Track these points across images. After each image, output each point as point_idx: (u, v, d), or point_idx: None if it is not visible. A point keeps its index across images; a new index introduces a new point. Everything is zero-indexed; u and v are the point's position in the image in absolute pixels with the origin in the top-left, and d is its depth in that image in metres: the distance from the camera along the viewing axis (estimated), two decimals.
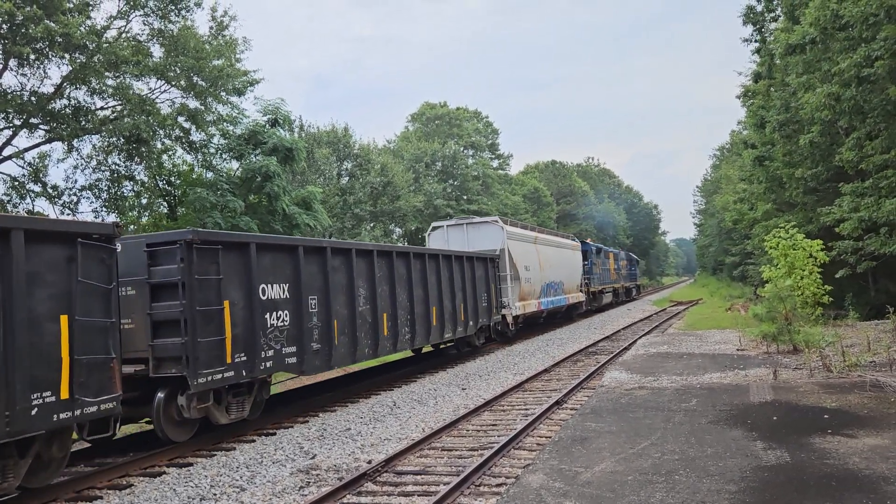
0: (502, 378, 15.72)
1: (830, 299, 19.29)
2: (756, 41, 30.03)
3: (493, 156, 60.81)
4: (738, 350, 16.45)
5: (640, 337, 22.64)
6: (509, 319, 22.86)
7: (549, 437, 9.34)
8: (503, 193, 52.95)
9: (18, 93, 19.76)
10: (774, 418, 9.03)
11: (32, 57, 18.85)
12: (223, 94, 23.31)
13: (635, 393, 11.45)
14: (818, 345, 14.39)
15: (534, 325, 29.29)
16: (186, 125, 23.34)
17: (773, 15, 29.31)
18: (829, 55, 19.38)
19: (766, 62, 27.20)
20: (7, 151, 20.49)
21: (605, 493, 6.29)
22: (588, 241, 40.55)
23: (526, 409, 11.73)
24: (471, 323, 19.36)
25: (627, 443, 8.11)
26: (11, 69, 19.46)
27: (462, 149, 53.27)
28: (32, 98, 19.85)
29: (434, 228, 24.70)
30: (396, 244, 30.40)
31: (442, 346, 20.95)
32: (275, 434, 10.90)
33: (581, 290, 34.16)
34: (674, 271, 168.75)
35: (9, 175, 21.46)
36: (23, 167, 21.54)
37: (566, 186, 71.43)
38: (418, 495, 7.31)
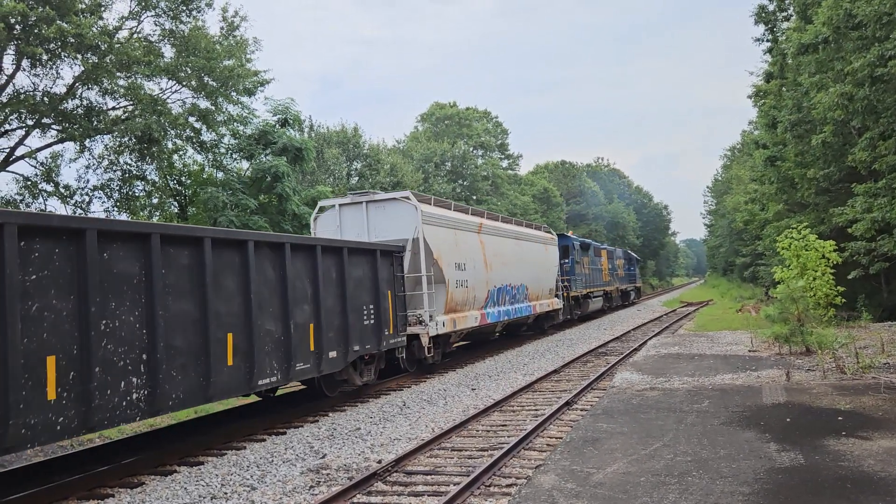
0: (512, 378, 15.68)
1: (843, 300, 19.14)
2: (768, 41, 29.87)
3: (503, 156, 60.73)
4: (749, 351, 16.35)
5: (650, 338, 22.55)
6: (425, 341, 15.64)
7: (560, 438, 9.29)
8: (513, 194, 52.87)
9: (31, 93, 19.88)
10: (788, 420, 8.96)
11: (45, 57, 18.96)
12: (233, 94, 23.39)
13: (647, 394, 11.38)
14: (831, 346, 14.28)
15: (486, 343, 23.34)
16: (197, 125, 23.43)
17: (785, 14, 29.15)
18: (842, 54, 19.24)
19: (778, 62, 27.05)
20: (20, 151, 20.62)
21: (618, 495, 6.25)
22: (569, 233, 35.26)
23: (536, 410, 11.69)
24: (332, 354, 11.88)
25: (639, 444, 8.06)
26: (24, 70, 19.58)
27: (472, 149, 53.25)
28: (45, 98, 19.96)
29: (322, 210, 17.10)
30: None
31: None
32: (285, 433, 10.90)
33: (558, 295, 27.40)
34: (684, 272, 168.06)
35: (22, 175, 21.60)
36: (35, 167, 21.68)
37: (576, 187, 71.28)
38: (428, 495, 7.28)
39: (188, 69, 21.74)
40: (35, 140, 32.26)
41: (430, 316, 15.92)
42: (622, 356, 17.94)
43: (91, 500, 7.79)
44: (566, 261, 30.07)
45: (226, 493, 7.73)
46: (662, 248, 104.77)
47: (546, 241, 26.59)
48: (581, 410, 11.39)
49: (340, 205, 16.83)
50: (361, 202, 16.55)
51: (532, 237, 24.96)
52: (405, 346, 15.23)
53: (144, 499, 7.66)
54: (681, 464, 7.15)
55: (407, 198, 16.25)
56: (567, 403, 11.77)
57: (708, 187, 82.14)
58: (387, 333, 14.03)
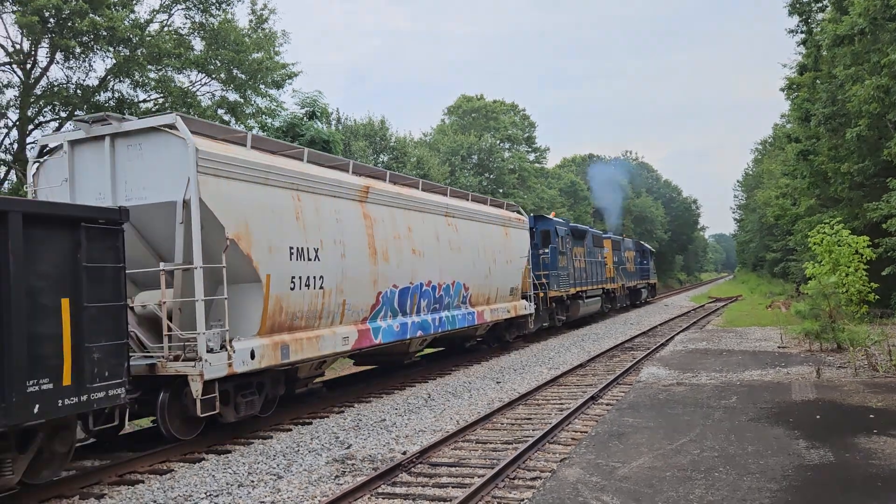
0: (537, 372, 15.64)
1: (877, 297, 18.76)
2: (802, 32, 29.27)
3: (530, 149, 60.43)
4: (779, 348, 16.12)
5: (677, 333, 22.34)
6: (197, 389, 8.61)
7: (585, 432, 9.25)
8: (540, 187, 52.62)
9: (65, 85, 20.21)
10: (817, 417, 8.83)
11: (78, 50, 19.25)
12: (262, 86, 23.55)
13: (673, 389, 11.29)
14: (863, 343, 14.02)
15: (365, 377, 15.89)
16: (226, 117, 23.63)
17: (820, 5, 28.53)
18: (879, 46, 18.82)
19: (813, 53, 26.50)
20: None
21: (643, 489, 6.21)
22: (552, 215, 26.23)
23: (561, 404, 11.65)
24: None
25: (665, 439, 8.00)
26: (58, 62, 19.90)
27: (498, 142, 53.06)
28: (78, 91, 20.28)
29: (45, 152, 10.26)
30: None
31: None
32: (311, 423, 10.99)
33: (527, 296, 20.92)
34: (712, 267, 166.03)
35: None
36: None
37: (604, 181, 70.68)
38: (453, 487, 7.30)
39: (217, 62, 21.94)
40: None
41: (221, 342, 9.10)
42: (649, 351, 17.80)
43: (121, 486, 7.94)
44: (545, 251, 23.25)
45: (252, 482, 7.83)
46: (691, 243, 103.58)
47: (507, 222, 19.48)
48: (607, 405, 11.33)
49: (72, 142, 9.80)
50: (104, 137, 9.56)
51: (479, 215, 17.56)
52: (126, 403, 7.68)
53: (174, 485, 7.78)
54: (707, 459, 7.08)
55: (172, 127, 9.24)
56: (593, 398, 11.72)
57: (738, 182, 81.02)
58: (42, 388, 6.66)
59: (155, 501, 7.18)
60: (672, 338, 20.71)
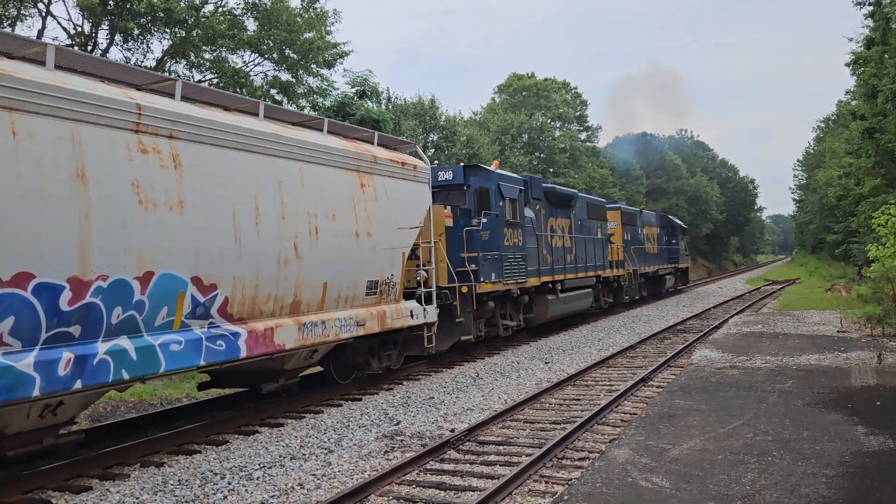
0: (586, 353, 15.55)
1: None
2: (870, 4, 28.02)
3: (581, 128, 59.61)
4: (838, 332, 15.66)
5: (731, 316, 21.90)
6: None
7: (635, 414, 9.18)
8: (591, 166, 51.90)
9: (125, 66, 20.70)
10: (878, 403, 8.56)
11: (136, 32, 19.66)
12: (313, 66, 23.71)
13: (726, 372, 11.08)
14: None
15: None
16: (278, 97, 23.90)
17: None
18: None
19: (881, 27, 25.34)
20: None
21: (694, 471, 6.13)
22: (493, 166, 17.38)
23: (610, 385, 11.57)
24: None
25: (718, 422, 7.87)
26: (117, 44, 20.37)
27: (549, 120, 52.45)
28: None
29: None
30: None
31: None
32: (360, 399, 11.16)
33: (428, 295, 13.03)
34: (770, 249, 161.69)
35: None
36: None
37: (657, 159, 69.31)
38: (500, 465, 7.33)
39: (270, 42, 22.14)
40: None
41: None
42: (701, 334, 17.51)
43: (179, 455, 8.21)
44: (477, 221, 15.13)
45: (304, 455, 8.00)
46: (747, 224, 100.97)
47: (367, 165, 11.25)
48: (657, 387, 11.21)
49: None
50: None
51: (271, 144, 9.20)
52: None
53: (229, 456, 8.01)
54: (761, 443, 6.95)
55: None
56: (643, 380, 11.60)
57: (798, 161, 78.43)
58: None
59: (212, 471, 7.40)
60: (726, 320, 20.31)
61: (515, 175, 17.85)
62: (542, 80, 56.54)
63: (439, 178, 15.33)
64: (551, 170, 47.25)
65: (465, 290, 14.13)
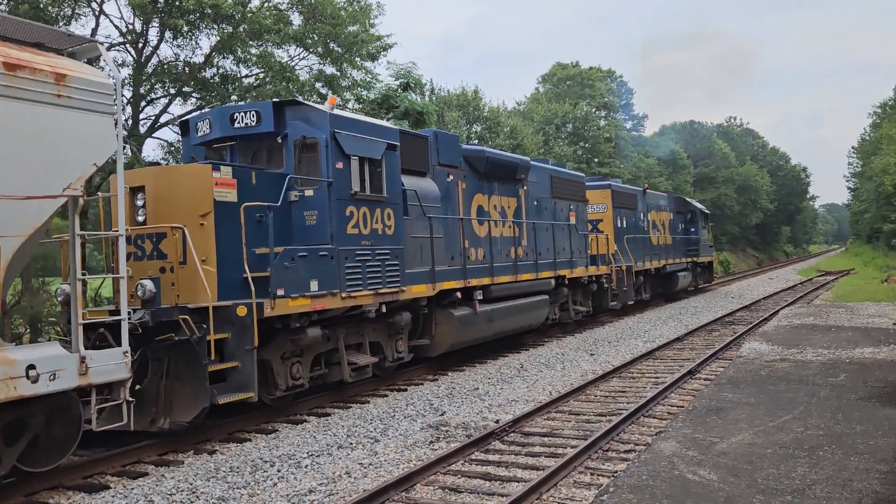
0: (632, 345, 15.41)
1: None
2: None
3: (627, 117, 58.82)
4: (894, 324, 15.20)
5: (782, 308, 21.44)
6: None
7: (682, 407, 9.09)
8: (636, 156, 51.17)
9: (173, 63, 21.17)
10: None
11: (185, 28, 20.07)
12: (357, 59, 23.88)
13: (776, 365, 10.87)
14: None
15: None
16: (323, 90, 24.14)
17: None
18: None
19: None
20: (164, 118, 22.09)
21: (742, 465, 6.06)
22: (328, 103, 10.25)
23: (657, 378, 11.46)
24: None
25: (767, 415, 7.74)
26: (167, 41, 20.82)
27: (594, 110, 51.87)
28: (185, 68, 21.20)
29: None
30: None
31: None
32: (406, 390, 11.27)
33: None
34: (822, 239, 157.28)
35: (166, 140, 23.13)
36: (177, 133, 23.20)
37: (705, 148, 67.94)
38: (545, 456, 7.35)
39: (315, 36, 22.35)
40: (177, 108, 34.38)
41: None
42: (751, 326, 17.19)
43: (230, 443, 8.43)
44: (297, 194, 9.86)
45: (351, 444, 8.13)
46: (799, 214, 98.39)
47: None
48: (705, 380, 11.06)
49: None
50: None
51: None
52: None
53: (278, 444, 8.19)
54: (812, 437, 6.82)
55: None
56: (690, 372, 11.46)
57: (853, 148, 75.98)
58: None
59: (262, 458, 7.58)
60: (776, 312, 19.89)
61: (383, 123, 11.90)
62: (587, 68, 55.90)
63: (236, 123, 10.00)
64: (596, 160, 46.74)
65: (242, 312, 8.33)
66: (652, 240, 24.82)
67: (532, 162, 16.64)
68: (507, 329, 14.29)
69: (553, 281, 16.12)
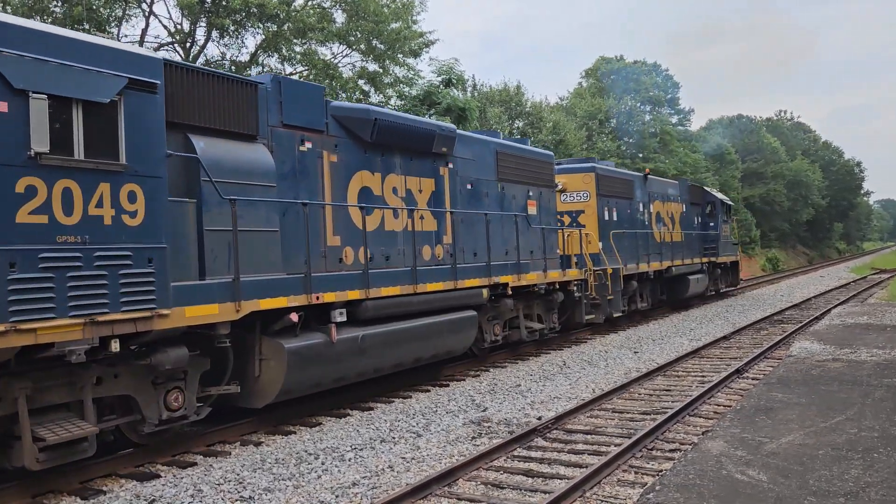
0: (677, 343, 15.17)
1: None
2: None
3: (673, 111, 57.81)
4: None
5: (834, 306, 20.86)
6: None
7: (730, 406, 8.91)
8: (683, 151, 50.30)
9: (220, 61, 21.56)
10: None
11: (232, 28, 20.44)
12: (400, 56, 23.99)
13: (828, 365, 10.58)
14: None
15: None
16: (366, 88, 24.32)
17: None
18: None
19: None
20: None
21: (793, 466, 5.91)
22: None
23: (703, 377, 11.26)
24: None
25: (819, 416, 7.54)
26: (214, 40, 21.25)
27: (639, 104, 51.14)
28: (232, 67, 21.57)
29: None
30: None
31: None
32: (448, 386, 11.29)
33: None
34: (877, 236, 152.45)
35: None
36: None
37: (753, 143, 66.42)
38: (588, 454, 7.28)
39: (358, 33, 22.55)
40: None
41: None
42: (801, 325, 16.77)
43: (276, 435, 8.55)
44: None
45: (394, 438, 8.18)
46: (852, 210, 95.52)
47: None
48: (753, 379, 10.84)
49: None
50: None
51: None
52: None
53: (322, 437, 8.28)
54: (866, 439, 6.62)
55: None
56: (737, 371, 11.24)
57: None
58: None
59: (306, 451, 7.68)
60: (828, 311, 19.36)
61: (122, 46, 7.32)
62: (632, 62, 55.13)
63: None
64: (641, 155, 46.11)
65: None
66: (655, 236, 20.78)
67: (464, 132, 13.25)
68: (401, 361, 10.23)
69: (486, 291, 11.96)
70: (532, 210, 14.35)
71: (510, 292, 12.79)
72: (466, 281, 11.57)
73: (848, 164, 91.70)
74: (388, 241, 10.48)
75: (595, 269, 16.31)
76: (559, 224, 16.30)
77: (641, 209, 20.30)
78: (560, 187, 16.79)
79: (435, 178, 11.70)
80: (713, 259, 24.94)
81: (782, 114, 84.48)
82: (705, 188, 27.44)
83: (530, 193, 14.40)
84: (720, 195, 27.49)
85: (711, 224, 25.72)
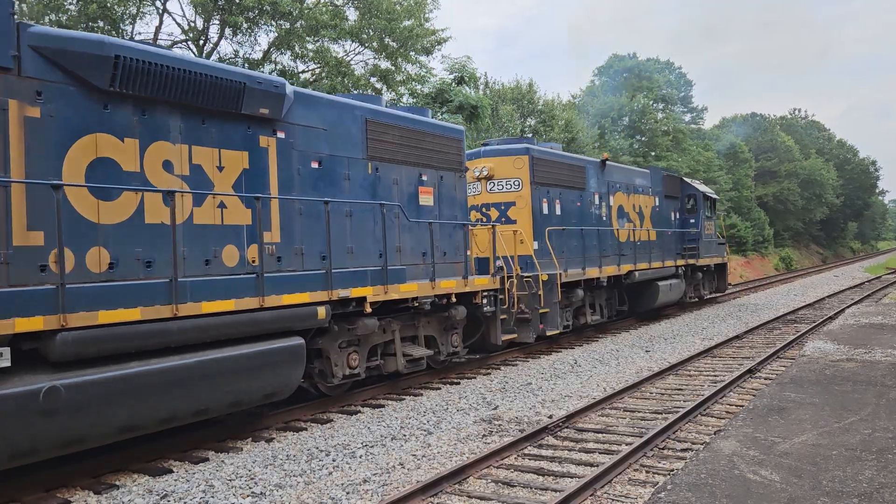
0: (689, 342, 15.10)
1: None
2: None
3: (686, 109, 57.54)
4: None
5: (848, 306, 20.71)
6: None
7: (742, 406, 8.87)
8: (695, 149, 50.04)
9: (233, 59, 21.64)
10: None
11: (245, 25, 20.51)
12: (412, 53, 23.99)
13: (842, 365, 10.50)
14: None
15: None
16: (378, 85, 24.34)
17: None
18: None
19: None
20: None
21: (806, 466, 5.87)
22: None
23: (715, 376, 11.20)
24: None
25: (832, 416, 7.49)
26: (227, 37, 21.33)
27: (651, 102, 50.93)
28: (245, 64, 21.64)
29: None
30: None
31: None
32: (458, 384, 11.29)
33: None
34: (892, 235, 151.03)
35: None
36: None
37: (767, 141, 65.98)
38: (599, 453, 7.27)
39: (370, 31, 22.57)
40: None
41: None
42: (814, 324, 16.66)
43: (287, 432, 8.58)
44: None
45: (404, 435, 8.19)
46: (867, 209, 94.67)
47: None
48: (765, 379, 10.78)
49: None
50: None
51: None
52: None
53: (333, 434, 8.30)
54: (880, 440, 6.56)
55: None
56: (750, 371, 11.18)
57: None
58: None
59: (317, 447, 7.70)
60: (842, 311, 19.22)
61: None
62: (644, 60, 54.90)
63: None
64: (653, 153, 45.92)
65: None
66: (617, 234, 17.54)
67: (310, 92, 9.89)
68: (138, 423, 6.83)
69: (323, 309, 8.69)
70: (426, 200, 11.29)
71: (368, 309, 9.46)
72: (286, 296, 8.25)
73: (863, 163, 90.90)
74: (149, 239, 7.24)
75: (524, 275, 13.70)
76: (483, 219, 14.25)
77: (597, 202, 17.01)
78: (486, 173, 14.58)
79: (251, 150, 8.41)
80: (693, 262, 21.57)
81: (796, 112, 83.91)
82: (685, 179, 23.71)
83: (424, 178, 11.25)
84: (703, 187, 23.95)
85: (692, 220, 22.33)
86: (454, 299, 11.27)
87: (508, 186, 14.69)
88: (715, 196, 24.77)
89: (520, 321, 13.43)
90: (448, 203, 11.88)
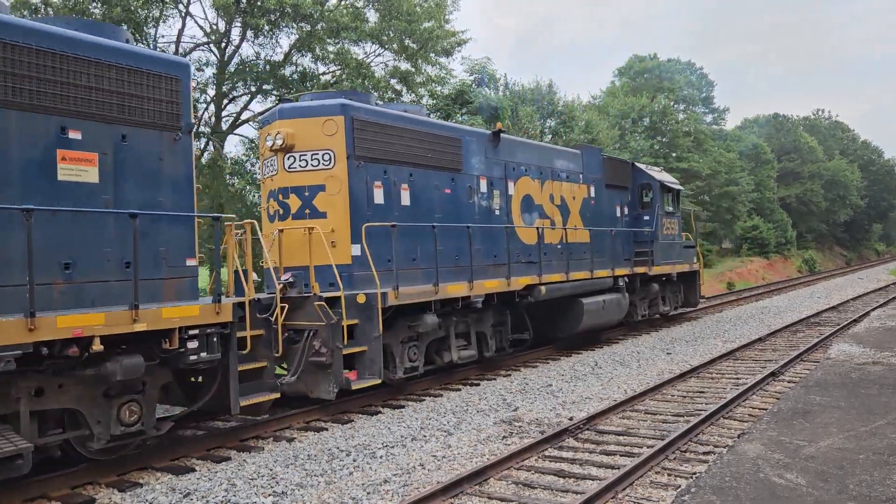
0: (711, 345, 14.96)
1: None
2: None
3: (707, 110, 57.02)
4: None
5: (873, 309, 20.40)
6: None
7: (766, 409, 8.77)
8: (717, 150, 49.59)
9: (254, 61, 21.80)
10: None
11: (266, 28, 20.64)
12: (432, 55, 24.02)
13: (868, 368, 10.35)
14: None
15: None
16: (398, 87, 24.40)
17: None
18: None
19: None
20: (245, 115, 22.78)
21: (832, 470, 5.79)
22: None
23: (737, 379, 11.09)
24: None
25: (858, 420, 7.38)
26: (248, 40, 21.48)
27: (672, 103, 50.53)
28: (266, 66, 21.79)
29: None
30: None
31: None
32: (479, 385, 11.28)
33: None
34: None
35: (247, 137, 23.86)
36: (258, 129, 23.80)
37: (790, 142, 65.21)
38: (620, 455, 7.22)
39: (390, 32, 22.62)
40: (257, 105, 35.40)
41: None
42: (839, 327, 16.42)
43: (308, 431, 8.62)
44: None
45: (425, 436, 8.19)
46: (892, 210, 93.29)
47: None
48: (789, 382, 10.65)
49: None
50: None
51: None
52: None
53: (354, 434, 8.33)
54: None
55: None
56: (773, 374, 11.05)
57: None
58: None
59: (338, 448, 7.72)
60: (867, 313, 18.94)
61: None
62: (665, 60, 54.52)
63: None
64: (674, 154, 45.59)
65: None
66: (521, 235, 13.37)
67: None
68: None
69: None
70: (80, 172, 6.71)
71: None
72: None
73: (888, 164, 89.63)
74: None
75: (322, 294, 9.11)
76: (281, 210, 10.02)
77: (484, 189, 12.58)
78: (280, 142, 9.93)
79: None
80: (646, 270, 16.88)
81: (819, 112, 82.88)
82: (637, 164, 18.50)
83: (70, 134, 6.64)
84: (662, 175, 19.02)
85: (646, 217, 17.66)
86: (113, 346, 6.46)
87: (315, 162, 9.97)
88: (678, 187, 19.50)
89: (316, 365, 8.92)
90: (140, 181, 7.17)
